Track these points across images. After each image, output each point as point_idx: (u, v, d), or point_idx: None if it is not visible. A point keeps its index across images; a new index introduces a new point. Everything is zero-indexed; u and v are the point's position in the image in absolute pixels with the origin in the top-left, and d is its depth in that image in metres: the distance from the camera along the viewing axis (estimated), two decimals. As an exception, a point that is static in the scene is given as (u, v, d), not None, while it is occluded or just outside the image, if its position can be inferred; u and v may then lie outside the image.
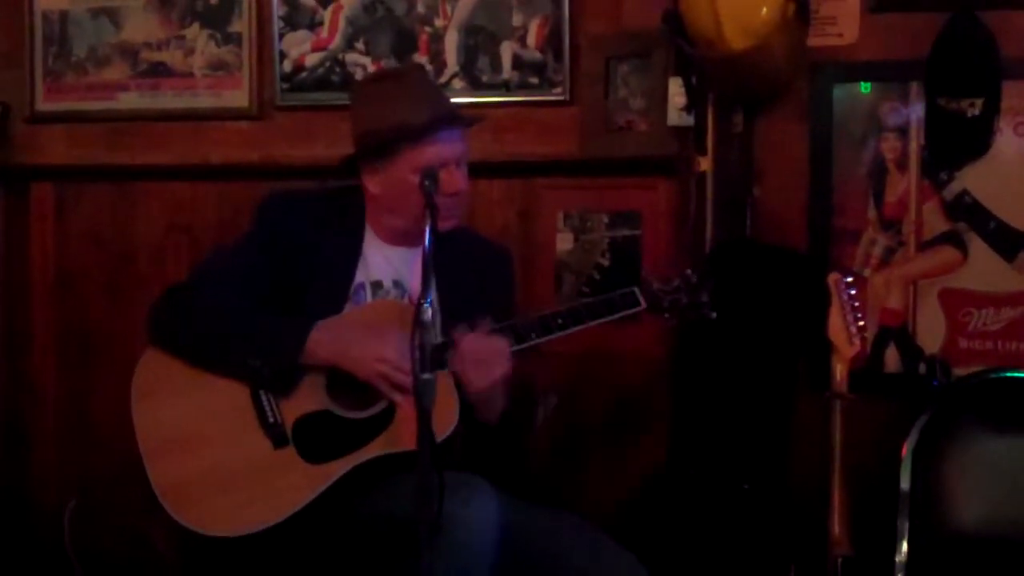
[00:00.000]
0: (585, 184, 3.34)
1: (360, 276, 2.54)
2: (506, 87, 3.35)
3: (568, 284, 3.34)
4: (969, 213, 3.05)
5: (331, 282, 2.52)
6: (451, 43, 3.39)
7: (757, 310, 2.93)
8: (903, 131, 3.09)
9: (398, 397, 2.35)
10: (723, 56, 2.90)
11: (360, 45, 3.45)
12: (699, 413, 3.04)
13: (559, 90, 3.31)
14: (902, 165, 3.09)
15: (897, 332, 3.11)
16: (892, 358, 3.11)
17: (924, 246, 3.09)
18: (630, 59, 3.28)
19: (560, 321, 2.44)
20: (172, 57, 3.58)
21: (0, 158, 3.67)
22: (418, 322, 2.04)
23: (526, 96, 3.34)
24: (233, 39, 3.53)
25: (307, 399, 2.40)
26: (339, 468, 2.33)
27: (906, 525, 2.76)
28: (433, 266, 2.13)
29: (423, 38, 3.40)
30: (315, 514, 2.30)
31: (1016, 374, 2.91)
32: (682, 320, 2.55)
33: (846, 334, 2.70)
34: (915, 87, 3.06)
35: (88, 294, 3.67)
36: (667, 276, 2.54)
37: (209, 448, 2.36)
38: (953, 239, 3.07)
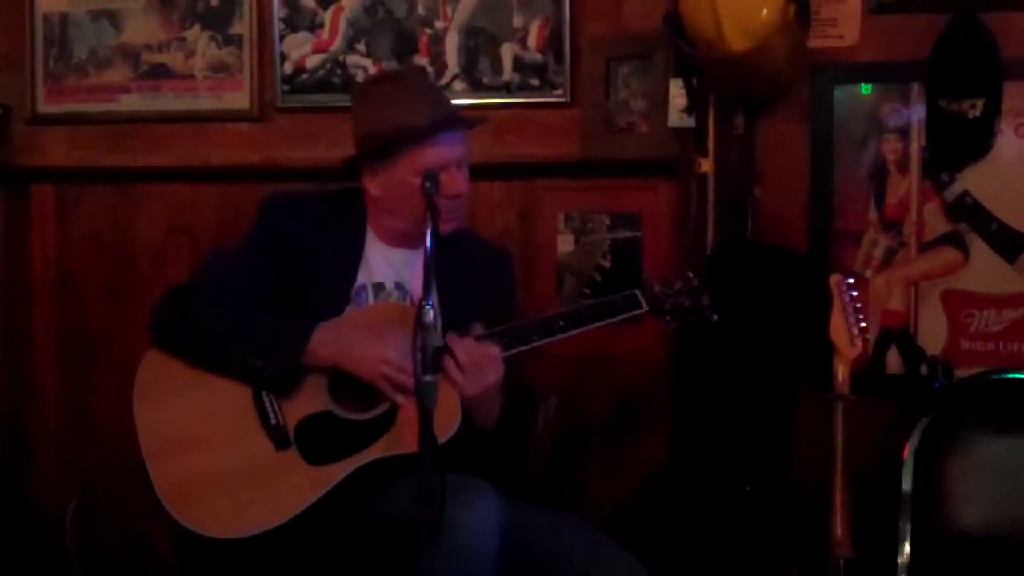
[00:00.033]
0: (586, 186, 3.33)
1: (362, 278, 2.54)
2: (507, 89, 3.35)
3: (569, 286, 3.34)
4: (970, 214, 3.05)
5: (333, 284, 2.52)
6: (452, 45, 3.39)
7: (758, 311, 2.93)
8: (904, 132, 3.09)
9: (400, 399, 2.35)
10: (724, 57, 2.90)
11: (361, 47, 3.45)
12: (700, 414, 3.04)
13: (560, 92, 3.31)
14: (903, 166, 3.09)
15: (898, 333, 3.11)
16: (894, 359, 3.11)
17: (925, 247, 3.09)
18: (631, 60, 3.28)
19: (562, 323, 2.44)
20: (173, 59, 3.58)
21: (1, 160, 3.68)
22: (419, 324, 2.05)
23: (527, 98, 3.34)
24: (234, 41, 3.53)
25: (309, 400, 2.40)
26: (341, 470, 2.33)
27: (908, 526, 2.75)
28: (434, 268, 2.13)
29: (424, 40, 3.40)
30: (317, 516, 2.30)
31: (1018, 375, 2.90)
32: (683, 323, 2.55)
33: (847, 335, 2.69)
34: (916, 88, 3.06)
35: (89, 295, 3.67)
36: (668, 278, 2.54)
37: (211, 449, 2.36)
38: (954, 240, 3.07)
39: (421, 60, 3.40)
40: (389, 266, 2.57)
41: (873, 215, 3.11)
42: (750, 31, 2.86)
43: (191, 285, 2.56)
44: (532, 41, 3.33)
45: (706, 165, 3.12)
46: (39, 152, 3.67)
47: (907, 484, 2.78)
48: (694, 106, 3.12)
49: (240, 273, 2.51)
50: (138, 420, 2.40)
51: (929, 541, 2.75)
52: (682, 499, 2.94)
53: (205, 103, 3.56)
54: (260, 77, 3.51)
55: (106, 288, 3.66)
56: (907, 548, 2.74)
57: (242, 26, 3.52)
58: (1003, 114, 2.99)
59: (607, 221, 3.32)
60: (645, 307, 2.49)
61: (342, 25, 3.45)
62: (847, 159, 3.12)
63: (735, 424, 2.98)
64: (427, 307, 2.06)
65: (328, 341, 2.39)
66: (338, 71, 3.46)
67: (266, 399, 2.40)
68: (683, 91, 3.12)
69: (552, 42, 3.31)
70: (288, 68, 3.48)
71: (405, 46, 3.42)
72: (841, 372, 2.69)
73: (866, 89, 3.11)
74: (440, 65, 3.39)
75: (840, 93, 3.12)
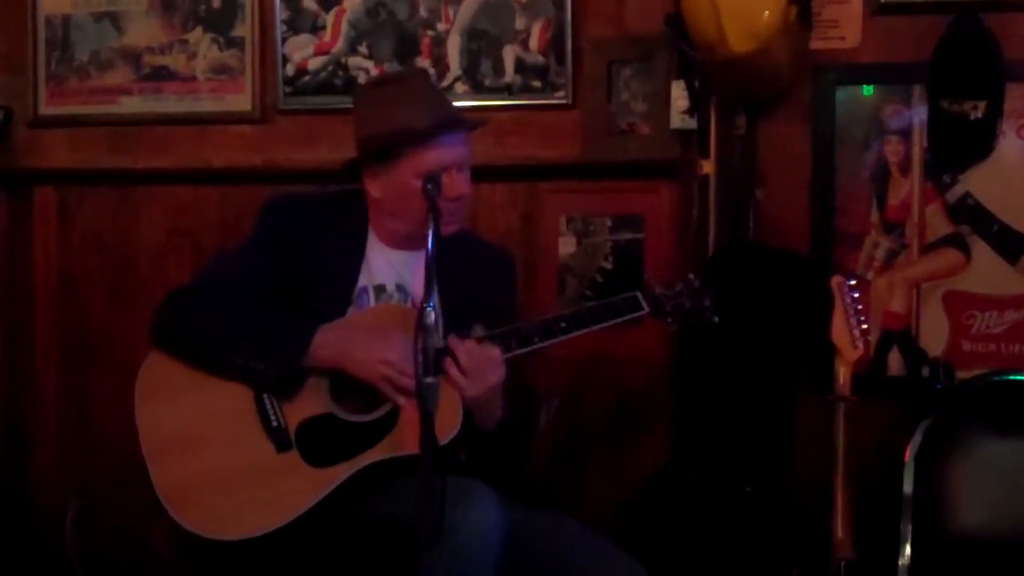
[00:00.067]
0: (588, 188, 3.33)
1: (363, 280, 2.54)
2: (508, 91, 3.35)
3: (571, 287, 3.34)
4: (972, 216, 3.05)
5: (334, 285, 2.52)
6: (453, 47, 3.39)
7: (759, 313, 2.93)
8: (906, 134, 3.09)
9: (402, 400, 2.35)
10: (725, 59, 2.90)
11: (363, 49, 3.45)
12: (701, 415, 3.04)
13: (561, 93, 3.31)
14: (905, 168, 3.09)
15: (900, 335, 3.10)
16: (895, 361, 3.11)
17: (927, 249, 3.09)
18: (632, 62, 3.28)
19: (563, 325, 2.44)
20: (175, 61, 3.58)
21: (3, 162, 3.68)
22: (421, 326, 2.05)
23: (528, 100, 3.34)
24: (236, 43, 3.53)
25: (311, 402, 2.40)
26: (342, 472, 2.32)
27: (909, 528, 2.75)
28: (436, 270, 2.13)
29: (425, 42, 3.41)
30: (318, 518, 2.30)
31: (1019, 377, 2.90)
32: (685, 324, 2.55)
33: (849, 337, 2.69)
34: (918, 90, 3.06)
35: (90, 297, 3.68)
36: (670, 280, 2.54)
37: (212, 451, 2.36)
38: (956, 242, 3.07)
39: (423, 62, 3.40)
40: (390, 268, 2.57)
41: (875, 217, 3.11)
42: (752, 33, 2.86)
43: (192, 286, 2.56)
44: (534, 43, 3.33)
45: (708, 167, 3.12)
46: (41, 154, 3.68)
47: (908, 486, 2.78)
48: (696, 108, 3.12)
49: (241, 274, 2.51)
50: (139, 421, 2.40)
51: (930, 543, 2.75)
52: (683, 500, 2.93)
53: (207, 105, 3.56)
54: (262, 79, 3.51)
55: (107, 290, 3.66)
56: (908, 550, 2.74)
57: (244, 28, 3.52)
58: (1005, 115, 2.99)
59: (609, 223, 3.32)
60: (646, 309, 2.48)
61: (344, 27, 3.45)
62: (849, 161, 3.12)
63: (736, 425, 2.98)
64: (428, 309, 2.06)
65: (330, 343, 2.39)
66: (340, 73, 3.46)
67: (267, 401, 2.40)
68: (685, 93, 3.12)
69: (554, 44, 3.31)
70: (290, 70, 3.48)
71: (407, 48, 3.42)
72: (842, 373, 2.69)
73: (868, 91, 3.11)
74: (442, 67, 3.39)
75: (842, 95, 3.12)
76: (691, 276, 2.55)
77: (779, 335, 2.98)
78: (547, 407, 3.19)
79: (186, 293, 2.53)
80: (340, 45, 3.46)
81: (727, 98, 3.11)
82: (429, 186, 2.34)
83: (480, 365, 2.34)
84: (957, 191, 3.06)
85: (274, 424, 2.38)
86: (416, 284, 2.52)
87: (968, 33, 2.95)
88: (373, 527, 2.29)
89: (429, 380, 2.02)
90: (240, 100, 3.53)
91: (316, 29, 3.47)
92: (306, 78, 3.48)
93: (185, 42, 3.57)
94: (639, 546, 2.44)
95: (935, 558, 2.74)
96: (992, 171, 3.03)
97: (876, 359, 3.09)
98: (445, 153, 2.46)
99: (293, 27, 3.48)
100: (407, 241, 2.55)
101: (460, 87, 3.38)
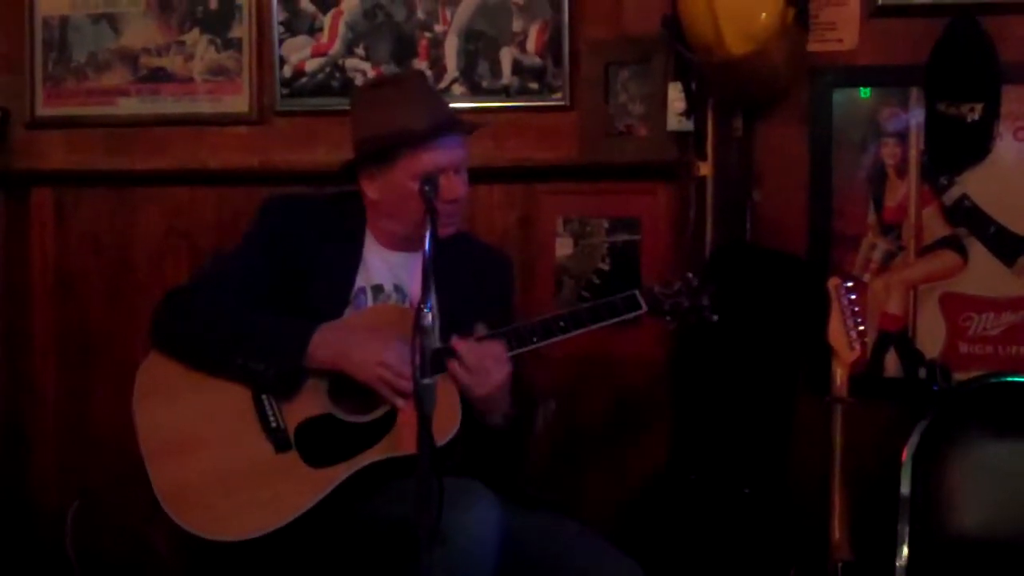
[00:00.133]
0: (585, 189, 3.34)
1: (361, 280, 2.54)
2: (506, 92, 3.36)
3: (568, 289, 3.34)
4: (969, 218, 3.06)
5: (332, 286, 2.52)
6: (451, 48, 3.39)
7: (757, 314, 2.93)
8: (903, 136, 3.09)
9: (399, 401, 2.35)
10: (723, 61, 2.90)
11: (360, 50, 3.45)
12: (699, 416, 3.04)
13: (559, 95, 3.31)
14: (902, 170, 3.10)
15: (897, 337, 3.11)
16: (892, 363, 3.11)
17: (924, 251, 3.10)
18: (630, 64, 3.29)
19: (562, 324, 2.44)
20: (172, 62, 3.58)
21: (0, 163, 3.68)
22: (418, 327, 2.04)
23: (526, 101, 3.34)
24: (233, 44, 3.53)
25: (309, 403, 2.40)
26: (341, 472, 2.33)
27: (906, 529, 2.76)
28: (433, 271, 2.13)
29: (423, 43, 3.41)
30: (316, 518, 2.30)
31: (1016, 379, 2.91)
32: (683, 323, 2.55)
33: (846, 339, 2.70)
34: (915, 92, 3.07)
35: (88, 298, 3.68)
36: (668, 279, 2.54)
37: (210, 451, 2.36)
38: (953, 244, 3.07)
39: (420, 64, 3.40)
40: (388, 269, 2.57)
41: (872, 218, 3.12)
42: (749, 35, 2.86)
43: (190, 287, 2.56)
44: (531, 45, 3.33)
45: (705, 168, 3.12)
46: (38, 155, 3.68)
47: (906, 487, 2.79)
48: (693, 109, 3.12)
49: (239, 273, 2.51)
50: (138, 421, 2.40)
51: (927, 544, 2.76)
52: (681, 501, 2.94)
53: (204, 106, 3.56)
54: (259, 80, 3.51)
55: (105, 290, 3.66)
56: (905, 551, 2.74)
57: (241, 30, 3.52)
58: (1002, 118, 3.00)
59: (606, 225, 3.32)
60: (644, 308, 2.48)
61: (341, 29, 3.46)
62: (846, 163, 3.12)
63: (734, 426, 2.98)
64: (426, 310, 2.06)
65: (328, 343, 2.39)
66: (337, 75, 3.47)
67: (266, 401, 2.40)
68: (682, 95, 3.12)
69: (551, 46, 3.31)
70: (287, 72, 3.49)
71: (404, 50, 3.42)
72: (840, 375, 2.70)
73: (865, 93, 3.12)
74: (439, 69, 3.39)
75: (839, 97, 3.12)
76: (689, 275, 2.55)
77: (777, 337, 2.98)
78: (544, 408, 3.19)
79: (184, 293, 2.53)
80: (337, 47, 3.46)
81: (724, 100, 3.11)
82: (426, 188, 2.34)
83: (485, 363, 2.35)
84: (954, 193, 3.06)
85: (273, 424, 2.38)
86: (414, 285, 2.52)
87: (965, 36, 2.96)
88: (372, 528, 2.29)
89: (426, 381, 2.02)
90: (237, 101, 3.53)
91: (313, 31, 3.47)
92: (303, 80, 3.48)
93: (182, 43, 3.57)
94: (638, 546, 2.44)
95: (932, 559, 2.75)
96: (989, 173, 3.04)
97: (873, 361, 3.10)
98: (442, 155, 2.46)
99: (290, 29, 3.48)
100: (404, 243, 2.55)
101: (457, 89, 3.38)
